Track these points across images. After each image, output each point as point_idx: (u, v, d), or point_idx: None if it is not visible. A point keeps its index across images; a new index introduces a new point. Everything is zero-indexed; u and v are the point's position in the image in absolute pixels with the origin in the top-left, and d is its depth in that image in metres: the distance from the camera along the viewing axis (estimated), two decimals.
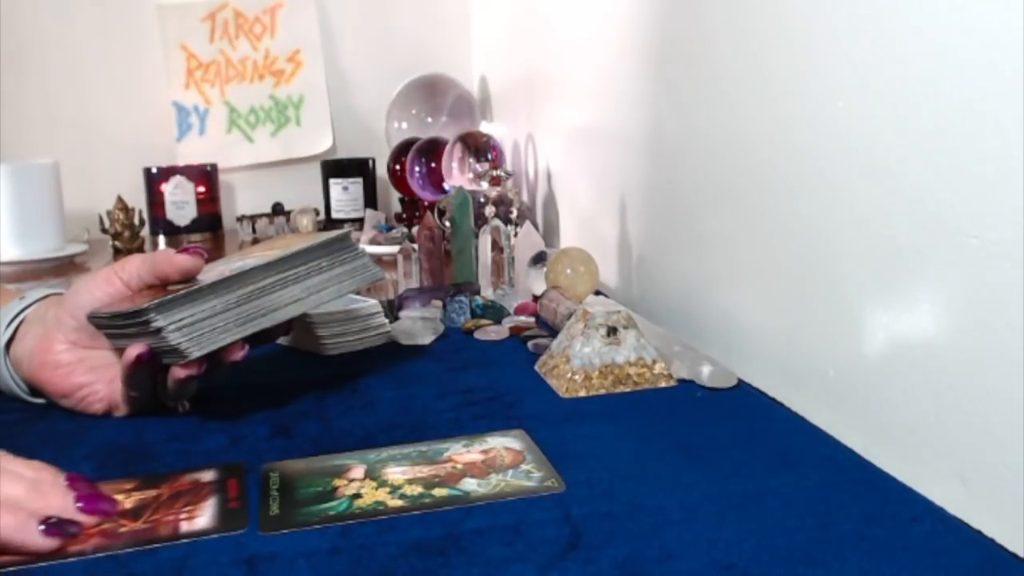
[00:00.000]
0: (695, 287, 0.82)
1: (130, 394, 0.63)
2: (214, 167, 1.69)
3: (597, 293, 0.94)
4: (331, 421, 0.63)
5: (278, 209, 1.68)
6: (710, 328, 0.79)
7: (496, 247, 0.97)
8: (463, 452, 0.56)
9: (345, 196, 1.65)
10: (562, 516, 0.47)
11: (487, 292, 0.97)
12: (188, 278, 0.64)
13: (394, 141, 1.56)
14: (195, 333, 0.59)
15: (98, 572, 0.43)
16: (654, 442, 0.57)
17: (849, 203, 0.57)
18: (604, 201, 1.06)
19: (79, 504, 0.48)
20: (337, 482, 0.52)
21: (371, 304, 0.82)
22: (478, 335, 0.85)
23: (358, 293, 0.81)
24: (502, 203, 1.04)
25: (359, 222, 1.58)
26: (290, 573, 0.42)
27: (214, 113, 1.77)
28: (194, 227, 1.66)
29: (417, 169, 1.42)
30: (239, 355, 0.62)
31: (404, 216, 1.54)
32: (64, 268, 1.42)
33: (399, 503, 0.49)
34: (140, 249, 1.54)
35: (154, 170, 1.65)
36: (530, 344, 0.80)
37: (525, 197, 1.44)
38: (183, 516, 0.48)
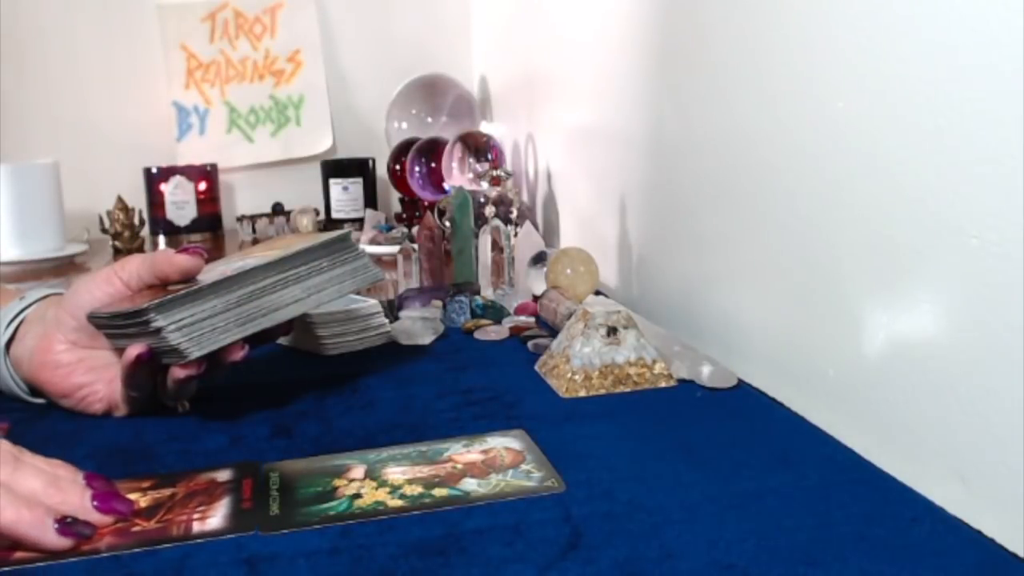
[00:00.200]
0: (695, 287, 0.82)
1: (130, 394, 0.63)
2: (214, 167, 1.69)
3: (597, 293, 0.94)
4: (331, 421, 0.63)
5: (278, 209, 1.67)
6: (710, 328, 0.79)
7: (496, 247, 0.97)
8: (463, 452, 0.56)
9: (345, 196, 1.65)
10: (562, 516, 0.47)
11: (487, 292, 0.97)
12: (188, 278, 0.64)
13: (394, 141, 1.56)
14: (195, 333, 0.59)
15: (98, 571, 0.43)
16: (654, 442, 0.57)
17: (849, 203, 0.57)
18: (604, 201, 1.06)
19: (95, 503, 0.48)
20: (337, 482, 0.52)
21: (371, 304, 0.82)
22: (478, 335, 0.85)
23: (358, 293, 0.81)
24: (502, 203, 1.04)
25: (359, 222, 1.58)
26: (290, 573, 0.42)
27: (214, 113, 1.77)
28: (194, 227, 1.66)
29: (417, 169, 1.42)
30: (239, 355, 0.62)
31: (404, 216, 1.54)
32: (64, 268, 1.42)
33: (399, 503, 0.49)
34: (140, 249, 1.54)
35: (154, 170, 1.65)
36: (530, 344, 0.80)
37: (525, 197, 1.44)
38: (196, 516, 0.48)
